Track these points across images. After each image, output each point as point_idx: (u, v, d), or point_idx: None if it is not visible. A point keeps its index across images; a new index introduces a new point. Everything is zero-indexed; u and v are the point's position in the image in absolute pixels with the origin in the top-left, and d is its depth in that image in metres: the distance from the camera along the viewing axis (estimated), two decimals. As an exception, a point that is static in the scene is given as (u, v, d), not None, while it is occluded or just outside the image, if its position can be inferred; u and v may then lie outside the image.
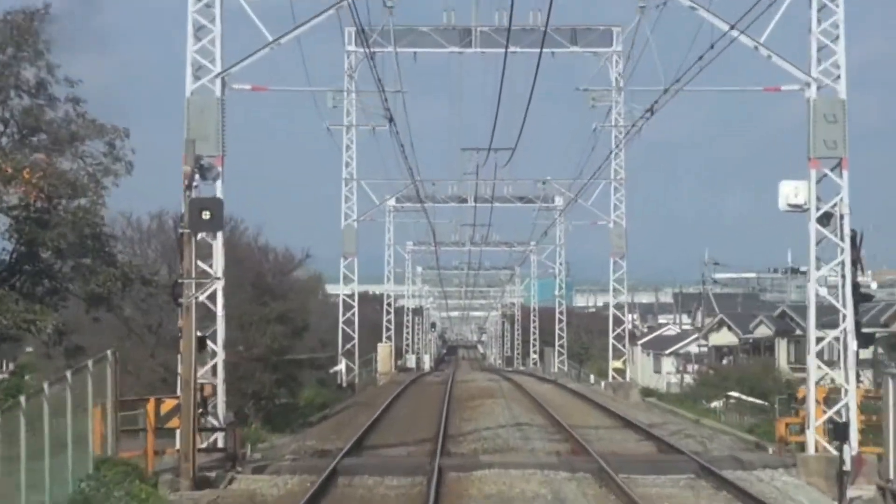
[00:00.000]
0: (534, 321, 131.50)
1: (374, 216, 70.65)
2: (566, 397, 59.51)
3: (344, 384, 66.34)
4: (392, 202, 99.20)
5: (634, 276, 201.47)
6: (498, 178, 67.66)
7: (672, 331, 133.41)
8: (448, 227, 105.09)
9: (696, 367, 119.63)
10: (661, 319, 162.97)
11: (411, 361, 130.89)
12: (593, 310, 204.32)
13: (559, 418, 43.12)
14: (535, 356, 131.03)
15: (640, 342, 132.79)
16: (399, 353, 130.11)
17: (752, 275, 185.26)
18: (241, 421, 46.51)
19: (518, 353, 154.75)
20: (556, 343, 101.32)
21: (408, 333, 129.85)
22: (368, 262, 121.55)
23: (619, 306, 72.47)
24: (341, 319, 68.09)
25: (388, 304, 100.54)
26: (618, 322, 77.58)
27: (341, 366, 66.31)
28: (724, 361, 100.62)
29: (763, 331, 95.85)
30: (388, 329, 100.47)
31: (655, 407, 62.06)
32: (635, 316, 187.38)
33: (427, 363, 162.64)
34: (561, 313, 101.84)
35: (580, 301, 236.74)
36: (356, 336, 68.13)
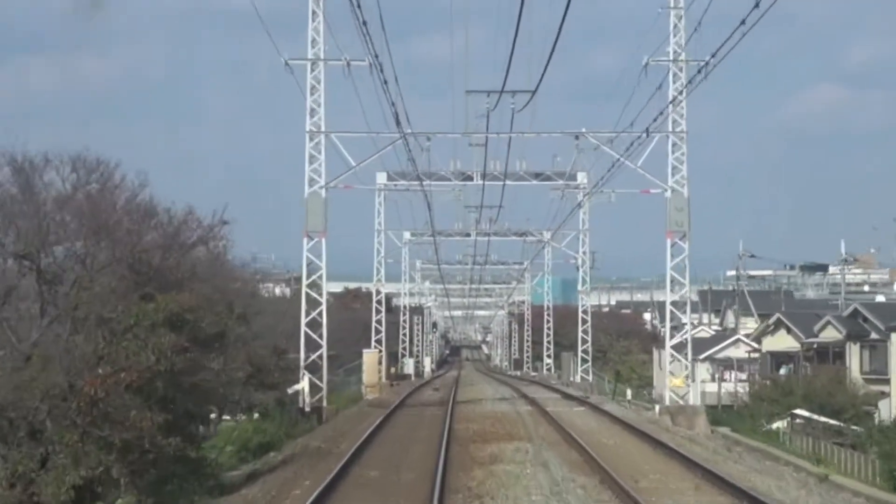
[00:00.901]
0: (548, 322, 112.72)
1: (349, 183, 51.10)
2: (616, 432, 40.59)
3: (307, 408, 47.49)
4: (383, 179, 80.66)
5: (655, 272, 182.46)
6: (514, 131, 48.68)
7: (705, 332, 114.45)
8: (450, 208, 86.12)
9: (736, 374, 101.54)
10: (685, 319, 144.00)
11: (409, 367, 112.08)
12: (607, 308, 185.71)
13: (630, 488, 24.51)
14: (550, 361, 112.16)
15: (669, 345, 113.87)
16: (396, 358, 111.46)
17: (769, 272, 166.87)
18: (109, 491, 28.03)
19: (528, 356, 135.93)
20: (579, 348, 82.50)
21: (404, 335, 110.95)
22: (361, 257, 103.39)
23: (673, 305, 53.75)
24: (304, 321, 49.20)
25: (379, 302, 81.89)
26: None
27: (303, 383, 47.40)
28: (782, 371, 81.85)
29: (830, 334, 77.13)
30: (378, 331, 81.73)
31: (737, 444, 43.27)
32: (654, 315, 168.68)
33: (428, 366, 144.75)
34: (584, 312, 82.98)
35: (590, 299, 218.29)
36: (324, 343, 49.26)
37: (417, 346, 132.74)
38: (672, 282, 54.41)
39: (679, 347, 51.80)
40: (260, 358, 44.43)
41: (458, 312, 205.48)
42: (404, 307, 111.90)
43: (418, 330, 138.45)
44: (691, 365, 51.08)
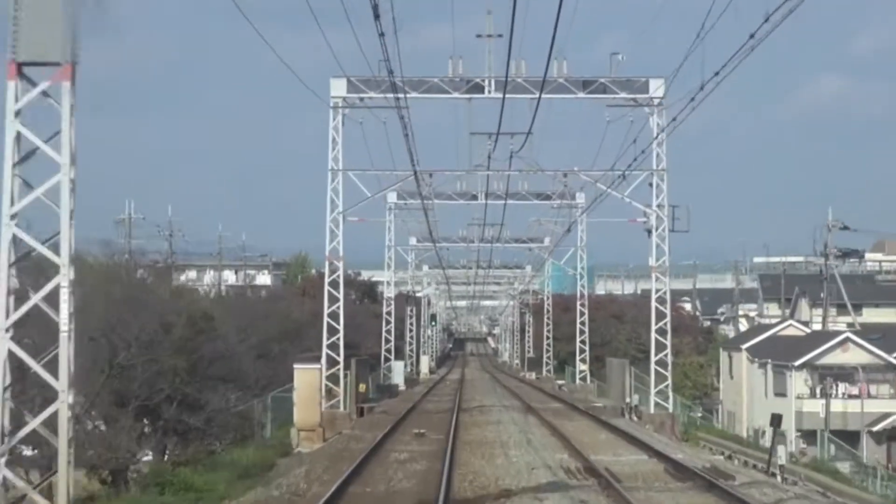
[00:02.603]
0: (582, 315, 79.89)
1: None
2: None
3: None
4: (340, 89, 48.87)
5: (696, 254, 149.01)
6: None
7: (795, 329, 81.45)
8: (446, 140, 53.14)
9: (847, 388, 70.03)
10: (742, 311, 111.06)
11: (397, 373, 79.32)
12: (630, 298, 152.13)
13: None
14: (585, 368, 79.22)
15: (744, 346, 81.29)
16: (379, 363, 78.86)
17: (799, 258, 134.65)
18: None
19: (548, 358, 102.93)
20: (653, 357, 49.36)
21: (388, 332, 78.12)
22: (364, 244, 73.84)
23: None
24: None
25: (334, 284, 48.90)
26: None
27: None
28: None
29: None
30: (335, 331, 48.77)
31: None
32: (695, 305, 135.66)
33: (426, 367, 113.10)
34: (661, 302, 49.65)
35: (598, 289, 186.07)
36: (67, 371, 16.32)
37: (411, 345, 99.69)
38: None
39: None
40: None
41: (461, 303, 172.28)
42: (387, 298, 79.01)
43: (415, 323, 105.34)
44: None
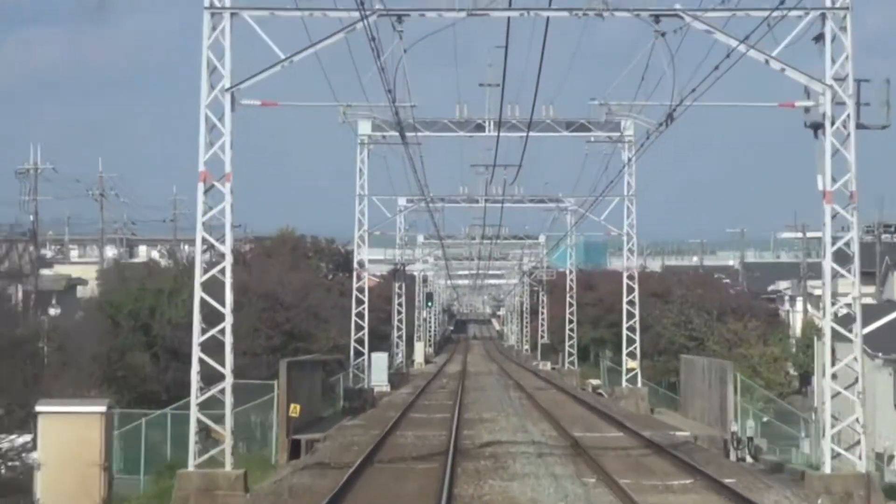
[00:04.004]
0: (630, 291, 55.75)
1: None
2: None
3: None
4: None
5: (740, 224, 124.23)
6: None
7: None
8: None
9: None
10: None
11: (377, 371, 55.48)
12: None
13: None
14: (635, 365, 54.76)
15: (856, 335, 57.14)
16: (345, 358, 54.97)
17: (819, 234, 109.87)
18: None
19: (571, 345, 78.83)
20: (829, 369, 24.91)
21: (359, 315, 53.87)
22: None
23: None
24: None
25: (216, 237, 24.82)
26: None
27: None
28: None
29: None
30: (219, 317, 24.34)
31: None
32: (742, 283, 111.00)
33: (421, 356, 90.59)
34: (837, 265, 25.15)
35: (611, 266, 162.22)
36: None
37: (400, 332, 75.35)
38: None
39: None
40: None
41: (463, 281, 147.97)
42: (360, 271, 54.72)
43: (404, 305, 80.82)
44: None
